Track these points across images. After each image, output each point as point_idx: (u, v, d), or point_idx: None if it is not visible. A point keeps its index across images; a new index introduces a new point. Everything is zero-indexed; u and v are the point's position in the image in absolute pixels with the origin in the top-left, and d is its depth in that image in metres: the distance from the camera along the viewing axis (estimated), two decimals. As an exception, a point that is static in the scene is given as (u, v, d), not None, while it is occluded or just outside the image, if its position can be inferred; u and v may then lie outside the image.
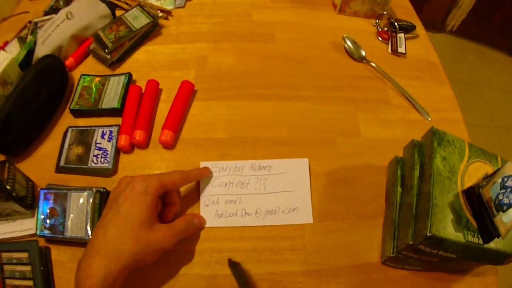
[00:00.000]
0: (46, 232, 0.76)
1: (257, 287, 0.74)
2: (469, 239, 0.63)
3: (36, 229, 0.77)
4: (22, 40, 1.06)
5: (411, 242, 0.67)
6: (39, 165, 0.88)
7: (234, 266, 0.74)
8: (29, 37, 1.05)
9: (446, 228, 0.63)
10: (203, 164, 0.86)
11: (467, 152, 0.73)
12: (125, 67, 1.04)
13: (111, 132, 0.89)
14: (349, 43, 1.08)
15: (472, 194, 0.66)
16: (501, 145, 2.38)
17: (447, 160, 0.70)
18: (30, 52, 1.02)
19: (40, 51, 0.99)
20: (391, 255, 0.72)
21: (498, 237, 0.62)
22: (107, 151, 0.87)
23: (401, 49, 1.09)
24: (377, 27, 1.15)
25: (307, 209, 0.81)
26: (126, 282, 0.68)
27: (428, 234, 0.62)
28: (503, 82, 2.81)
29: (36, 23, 1.10)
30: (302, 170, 0.85)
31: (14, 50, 1.04)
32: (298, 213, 0.81)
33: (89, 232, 0.76)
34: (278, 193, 0.82)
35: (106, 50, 1.01)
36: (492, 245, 0.64)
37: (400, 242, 0.71)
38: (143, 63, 1.05)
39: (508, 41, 2.93)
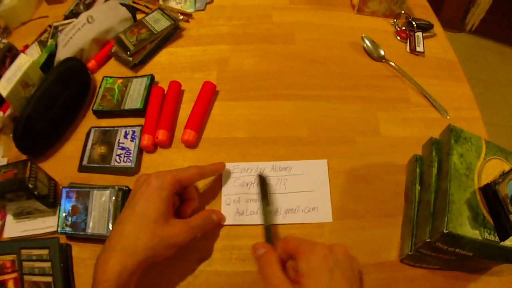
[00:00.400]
0: (68, 229, 0.78)
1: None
2: (485, 237, 0.63)
3: (58, 227, 0.78)
4: (42, 43, 1.08)
5: (428, 240, 0.66)
6: (62, 165, 0.90)
7: (264, 180, 0.79)
8: (50, 41, 1.07)
9: (463, 225, 0.63)
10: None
11: (484, 149, 0.72)
12: (147, 69, 1.05)
13: (134, 132, 0.91)
14: (367, 42, 1.08)
15: (489, 191, 0.66)
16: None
17: (464, 157, 0.69)
18: (51, 55, 1.03)
19: (62, 54, 1.01)
20: (409, 253, 0.72)
21: (515, 235, 0.62)
22: (130, 150, 0.88)
23: (419, 48, 1.08)
24: (395, 27, 1.15)
25: (327, 208, 0.81)
26: (147, 277, 0.70)
27: (445, 231, 0.62)
28: None
29: (56, 27, 1.12)
30: (321, 171, 0.86)
31: (35, 54, 1.06)
32: (318, 212, 0.81)
33: (111, 229, 0.76)
34: (298, 193, 0.82)
35: (128, 53, 1.03)
36: (508, 243, 0.63)
37: (418, 240, 0.71)
38: (165, 65, 1.06)
39: (528, 42, 2.88)
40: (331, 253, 0.58)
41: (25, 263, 0.73)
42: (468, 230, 0.62)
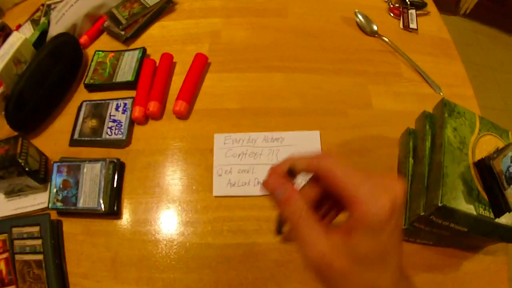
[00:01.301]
0: (59, 204, 0.76)
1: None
2: (480, 212, 0.61)
3: (49, 202, 0.76)
4: (35, 22, 1.06)
5: (423, 213, 0.64)
6: (53, 140, 0.87)
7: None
8: (42, 19, 1.04)
9: (457, 199, 0.61)
10: (216, 136, 0.85)
11: (478, 124, 0.70)
12: (139, 43, 1.02)
13: (125, 104, 0.88)
14: (360, 17, 1.05)
15: (483, 166, 0.64)
16: (514, 129, 2.33)
17: (457, 131, 0.67)
18: (44, 33, 1.01)
19: (54, 31, 0.98)
20: (403, 227, 0.70)
21: (509, 212, 0.60)
22: (122, 122, 0.86)
23: (413, 25, 1.05)
24: (388, 3, 1.12)
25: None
26: (140, 252, 0.67)
27: (440, 204, 0.60)
28: None
29: (49, 5, 1.09)
30: (314, 142, 0.84)
31: (28, 33, 1.03)
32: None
33: (101, 203, 0.75)
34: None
35: (120, 26, 1.00)
36: (503, 220, 0.62)
37: (412, 214, 0.69)
38: (157, 38, 1.03)
39: (521, 26, 2.87)
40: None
41: (16, 242, 0.71)
42: (463, 204, 0.61)
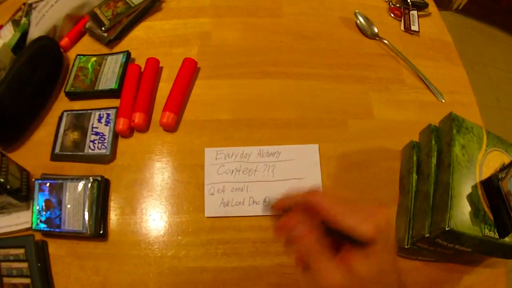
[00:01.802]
0: (43, 225, 0.75)
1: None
2: (485, 233, 0.62)
3: (32, 223, 0.75)
4: (16, 23, 1.03)
5: (428, 235, 0.65)
6: (34, 153, 0.86)
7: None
8: (23, 19, 1.02)
9: (464, 222, 0.61)
10: (207, 151, 0.84)
11: (485, 140, 0.70)
12: (123, 45, 1.00)
13: (108, 115, 0.87)
14: (361, 19, 1.04)
15: (491, 186, 0.65)
16: (506, 126, 2.36)
17: (466, 148, 0.68)
18: (25, 34, 0.99)
19: (34, 33, 0.96)
20: (405, 247, 0.70)
21: (515, 232, 0.61)
22: (105, 136, 0.84)
23: (414, 27, 1.05)
24: (389, 3, 1.11)
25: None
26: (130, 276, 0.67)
27: (447, 228, 0.60)
28: (508, 63, 2.79)
29: (30, 5, 1.06)
30: (312, 157, 0.83)
31: (9, 34, 1.01)
32: (309, 202, 0.78)
33: (86, 225, 0.74)
34: (288, 180, 0.80)
35: (103, 28, 0.98)
36: (507, 239, 0.62)
37: (415, 234, 0.69)
38: (143, 40, 1.01)
39: (515, 22, 2.91)
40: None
41: (3, 264, 0.71)
42: (470, 227, 0.61)
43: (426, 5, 1.10)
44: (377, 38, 1.02)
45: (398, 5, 1.10)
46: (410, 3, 1.08)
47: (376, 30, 1.03)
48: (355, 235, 0.45)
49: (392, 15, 1.09)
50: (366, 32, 1.03)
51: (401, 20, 1.07)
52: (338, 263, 0.46)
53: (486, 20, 2.95)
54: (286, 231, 0.51)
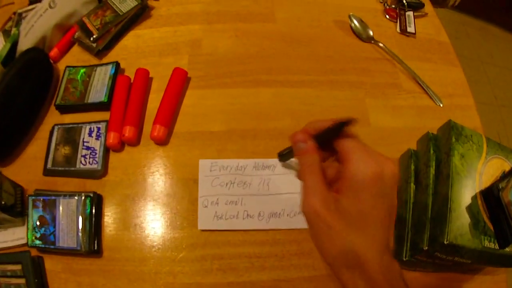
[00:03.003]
0: (38, 242, 0.75)
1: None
2: (485, 245, 0.62)
3: (28, 240, 0.76)
4: (6, 33, 1.03)
5: (426, 248, 0.65)
6: (26, 168, 0.86)
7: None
8: (13, 30, 1.02)
9: (464, 234, 0.61)
10: (201, 162, 0.84)
11: (485, 148, 0.70)
12: (113, 55, 1.00)
13: (99, 129, 0.87)
14: (355, 22, 1.04)
15: (491, 196, 0.64)
16: (504, 124, 2.37)
17: (465, 158, 0.67)
18: (15, 45, 0.98)
19: (23, 44, 0.96)
20: (404, 259, 0.70)
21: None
22: (96, 150, 0.84)
23: (410, 29, 1.05)
24: (384, 4, 1.11)
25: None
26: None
27: (446, 242, 0.60)
28: (505, 60, 2.80)
29: (20, 14, 1.06)
30: None
31: (-1, 45, 1.01)
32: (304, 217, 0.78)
33: (81, 242, 0.74)
34: (283, 194, 0.80)
35: (92, 38, 0.98)
36: (507, 249, 0.63)
37: (413, 246, 0.69)
38: (132, 49, 1.01)
39: (511, 19, 2.92)
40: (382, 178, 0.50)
41: (1, 280, 0.72)
42: (469, 239, 0.61)
43: (422, 5, 1.10)
44: (372, 41, 1.02)
45: (393, 6, 1.10)
46: (405, 3, 1.08)
47: (371, 33, 1.03)
48: (355, 170, 0.49)
49: (387, 16, 1.08)
50: (361, 36, 1.03)
51: (396, 22, 1.07)
52: (328, 189, 0.51)
53: (483, 17, 2.97)
54: (296, 142, 0.56)
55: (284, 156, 0.70)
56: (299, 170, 0.55)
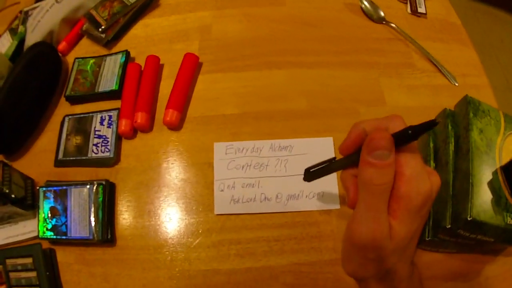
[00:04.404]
0: (49, 234, 0.74)
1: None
2: (508, 222, 0.59)
3: (39, 232, 0.75)
4: (13, 31, 1.03)
5: (449, 226, 0.63)
6: (37, 160, 0.85)
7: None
8: (20, 27, 1.01)
9: (486, 211, 0.59)
10: (216, 145, 0.82)
11: (503, 123, 0.68)
12: (122, 45, 0.99)
13: (110, 117, 0.86)
14: (366, 3, 1.02)
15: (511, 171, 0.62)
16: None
17: (484, 132, 0.65)
18: (22, 42, 0.98)
19: (31, 40, 0.96)
20: (426, 239, 0.68)
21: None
22: (108, 138, 0.83)
23: (421, 9, 1.02)
24: (393, -15, 1.09)
25: (334, 193, 0.77)
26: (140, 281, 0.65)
27: (469, 219, 0.58)
28: None
29: (26, 12, 1.05)
30: (327, 150, 0.81)
31: (6, 43, 1.01)
32: (323, 198, 0.76)
33: (93, 231, 0.73)
34: (301, 175, 0.77)
35: (100, 29, 0.97)
36: None
37: (436, 225, 0.67)
38: (141, 38, 1.00)
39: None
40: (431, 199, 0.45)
41: (11, 274, 0.71)
42: (492, 216, 0.59)
43: (431, -13, 1.08)
44: (384, 22, 1.00)
45: (403, -13, 1.07)
46: (415, -16, 1.06)
47: (382, 14, 1.01)
48: (412, 191, 0.43)
49: (398, -2, 1.06)
50: (372, 17, 1.01)
51: (407, 3, 1.05)
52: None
53: (492, 2, 2.94)
54: (375, 147, 0.44)
55: (314, 173, 0.59)
56: (364, 186, 0.45)
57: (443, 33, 1.01)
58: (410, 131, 0.43)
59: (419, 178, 0.43)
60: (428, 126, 0.42)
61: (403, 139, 0.44)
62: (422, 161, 0.45)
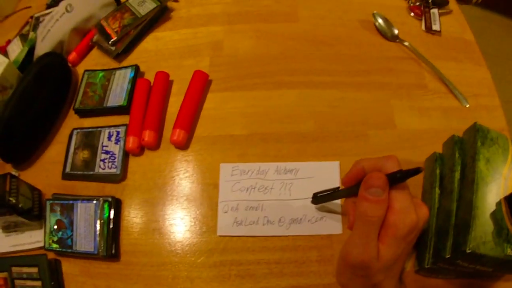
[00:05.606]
0: (55, 246, 0.78)
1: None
2: (507, 253, 0.61)
3: (45, 243, 0.78)
4: (24, 37, 1.06)
5: (448, 256, 0.64)
6: (45, 172, 0.89)
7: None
8: (31, 34, 1.05)
9: (487, 243, 0.60)
10: (222, 166, 0.85)
11: (511, 150, 0.69)
12: (132, 58, 1.02)
13: (118, 133, 0.89)
14: (380, 20, 1.04)
15: (516, 202, 0.63)
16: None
17: (490, 162, 0.66)
18: (32, 49, 1.01)
19: (40, 49, 0.99)
20: (426, 267, 0.70)
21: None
22: (115, 154, 0.86)
23: (435, 27, 1.03)
24: (408, 2, 1.10)
25: (336, 218, 0.79)
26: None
27: (468, 251, 0.60)
28: None
29: (37, 18, 1.09)
30: (333, 175, 0.83)
31: (17, 49, 1.04)
32: (326, 223, 0.78)
33: (98, 247, 0.76)
34: (305, 199, 0.79)
35: (110, 42, 0.99)
36: None
37: (436, 253, 0.69)
38: (152, 52, 1.03)
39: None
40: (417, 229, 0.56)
41: (16, 282, 0.75)
42: (492, 248, 0.60)
43: (446, 2, 1.08)
44: (397, 40, 1.01)
45: (418, 3, 1.08)
46: (430, 0, 1.07)
47: (396, 31, 1.02)
48: (400, 221, 0.54)
49: (412, 14, 1.07)
50: (386, 35, 1.02)
51: (421, 20, 1.06)
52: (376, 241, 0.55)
53: (506, 13, 2.93)
54: (371, 185, 0.55)
55: (321, 198, 0.73)
56: (360, 216, 0.56)
57: (457, 52, 1.01)
58: (398, 175, 0.55)
59: (406, 211, 0.54)
60: (413, 173, 0.55)
61: (393, 180, 0.55)
62: (410, 196, 0.56)
